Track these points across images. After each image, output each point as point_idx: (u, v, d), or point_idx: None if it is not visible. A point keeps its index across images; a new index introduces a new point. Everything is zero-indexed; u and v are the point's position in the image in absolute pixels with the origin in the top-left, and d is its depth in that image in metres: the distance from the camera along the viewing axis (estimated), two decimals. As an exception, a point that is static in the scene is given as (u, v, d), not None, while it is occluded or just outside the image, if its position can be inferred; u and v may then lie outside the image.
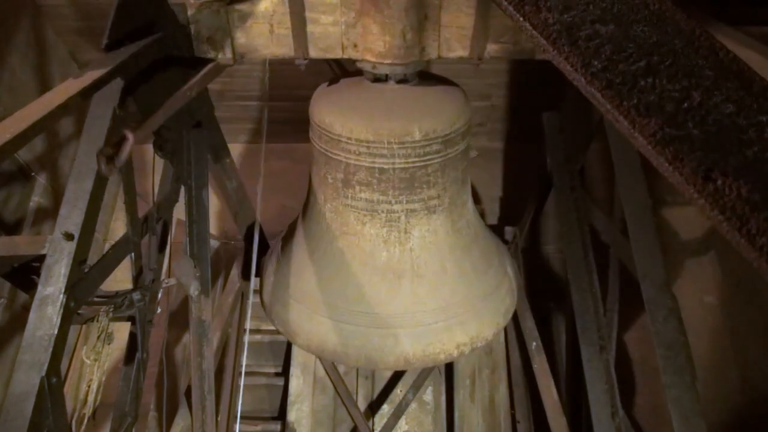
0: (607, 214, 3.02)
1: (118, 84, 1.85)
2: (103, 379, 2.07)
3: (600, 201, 3.32)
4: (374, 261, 2.51)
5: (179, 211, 2.66)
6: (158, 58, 2.11)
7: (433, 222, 2.49)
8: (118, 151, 1.43)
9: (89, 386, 2.04)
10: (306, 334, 2.63)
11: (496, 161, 5.02)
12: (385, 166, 2.31)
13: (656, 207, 2.52)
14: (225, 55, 2.28)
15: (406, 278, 2.51)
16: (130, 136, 1.43)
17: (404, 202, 2.40)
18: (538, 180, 3.76)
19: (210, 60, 2.30)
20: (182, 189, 2.64)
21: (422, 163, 2.33)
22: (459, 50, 2.21)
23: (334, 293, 2.58)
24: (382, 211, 2.42)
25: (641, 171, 2.53)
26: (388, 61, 2.16)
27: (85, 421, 2.00)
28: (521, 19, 0.90)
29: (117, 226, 4.62)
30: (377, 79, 2.33)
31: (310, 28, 2.20)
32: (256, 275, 2.74)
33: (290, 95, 4.00)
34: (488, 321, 2.67)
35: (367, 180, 2.36)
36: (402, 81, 2.33)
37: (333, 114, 2.34)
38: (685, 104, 0.80)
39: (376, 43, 2.12)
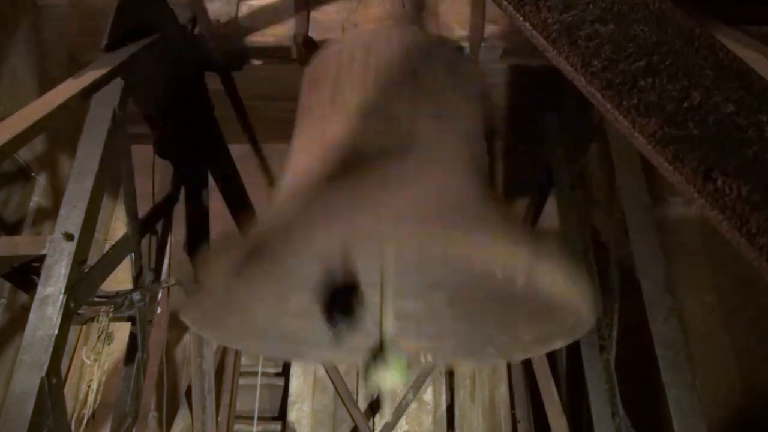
0: (607, 214, 3.02)
1: (118, 84, 1.85)
2: (103, 379, 2.07)
3: (600, 201, 3.32)
4: None
5: (179, 211, 2.66)
6: (158, 58, 2.11)
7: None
8: None
9: (89, 386, 2.05)
10: None
11: (497, 161, 5.02)
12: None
13: (656, 207, 2.52)
14: (225, 56, 2.30)
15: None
16: None
17: None
18: (538, 180, 3.75)
19: (210, 60, 2.31)
20: (182, 189, 2.64)
21: None
22: (458, 31, 2.22)
23: None
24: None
25: (641, 171, 2.53)
26: (388, 23, 2.14)
27: (85, 421, 2.00)
28: (521, 19, 0.89)
29: (117, 226, 4.62)
30: None
31: (313, 14, 2.22)
32: (256, 275, 2.73)
33: (290, 95, 4.00)
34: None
35: None
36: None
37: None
38: (685, 104, 0.80)
39: (376, 11, 2.10)
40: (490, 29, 2.20)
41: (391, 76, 1.94)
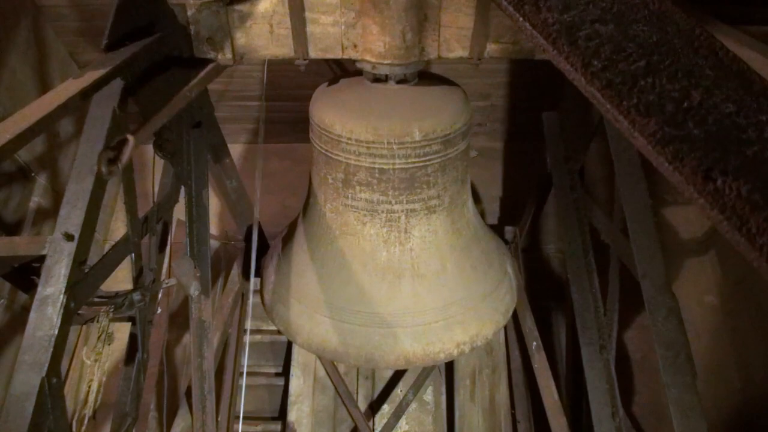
0: (607, 214, 3.01)
1: (118, 84, 1.85)
2: (104, 379, 2.07)
3: (600, 201, 3.32)
4: (374, 261, 2.51)
5: (179, 211, 2.65)
6: (158, 58, 2.11)
7: (433, 222, 2.49)
8: (120, 153, 1.43)
9: (89, 386, 2.05)
10: (307, 333, 2.63)
11: (496, 161, 5.02)
12: (385, 167, 2.31)
13: (656, 207, 2.52)
14: (225, 56, 2.28)
15: (406, 278, 2.51)
16: (131, 138, 1.43)
17: (404, 202, 2.40)
18: (538, 180, 3.75)
19: (210, 60, 2.30)
20: (182, 189, 2.64)
21: (422, 163, 2.33)
22: (459, 50, 2.21)
23: (334, 293, 2.57)
24: (382, 212, 2.42)
25: (641, 171, 2.53)
26: (388, 62, 2.16)
27: (86, 421, 2.00)
28: (521, 19, 0.89)
29: (117, 226, 4.62)
30: (377, 79, 2.33)
31: (309, 28, 2.20)
32: (256, 275, 2.74)
33: (290, 95, 4.01)
34: (488, 320, 2.67)
35: (367, 180, 2.36)
36: (402, 81, 2.33)
37: (333, 114, 2.34)
38: (685, 104, 0.80)
39: (375, 44, 2.12)
40: (491, 48, 2.19)
41: (392, 181, 2.34)
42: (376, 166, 2.32)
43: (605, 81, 0.84)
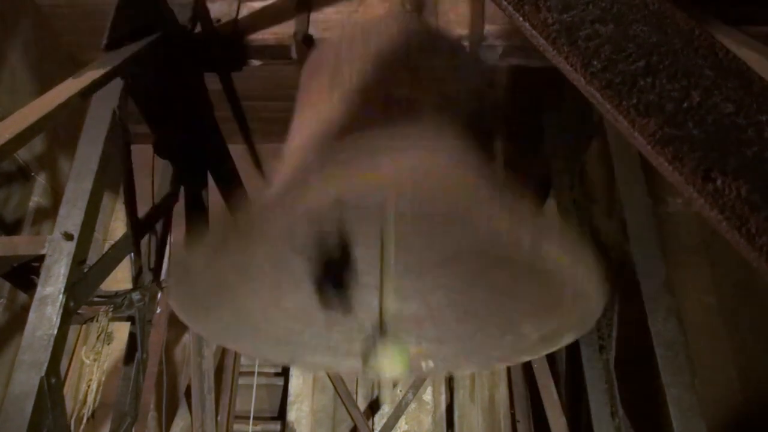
0: (607, 214, 3.01)
1: (118, 84, 1.85)
2: (103, 379, 2.07)
3: (600, 201, 3.32)
4: None
5: (179, 211, 2.66)
6: (158, 58, 2.11)
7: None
8: None
9: (89, 386, 2.05)
10: None
11: (496, 161, 5.01)
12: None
13: (656, 207, 2.51)
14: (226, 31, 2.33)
15: None
16: None
17: None
18: (538, 180, 3.75)
19: (210, 61, 2.31)
20: (182, 189, 2.64)
21: None
22: (458, 30, 2.23)
23: None
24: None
25: (641, 171, 2.53)
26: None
27: (85, 420, 2.00)
28: (520, 19, 0.89)
29: (117, 226, 4.62)
30: None
31: (313, 15, 2.24)
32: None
33: (290, 95, 4.00)
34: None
35: None
36: None
37: None
38: (685, 104, 0.80)
39: (377, 12, 2.11)
40: (489, 29, 2.21)
41: (391, 60, 1.89)
42: None
43: (605, 81, 0.84)
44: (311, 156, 1.69)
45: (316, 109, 1.96)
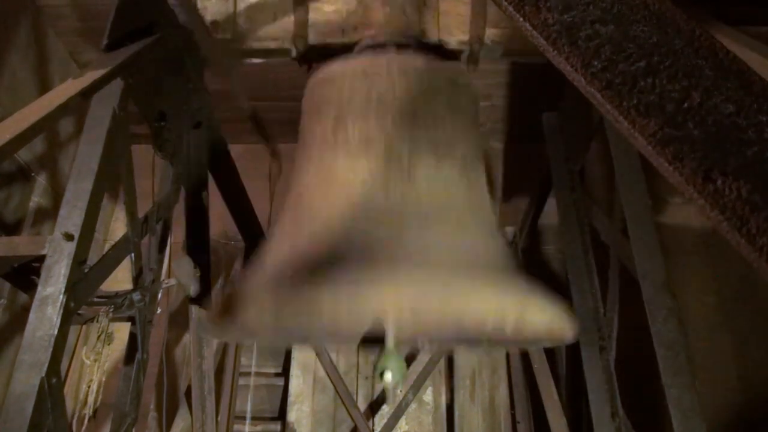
0: (607, 214, 3.02)
1: (118, 84, 1.85)
2: (103, 379, 2.07)
3: (600, 201, 3.32)
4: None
5: (179, 211, 2.66)
6: (158, 58, 2.11)
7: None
8: None
9: (89, 386, 2.05)
10: None
11: (496, 161, 5.02)
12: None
13: (656, 207, 2.52)
14: (225, 36, 2.34)
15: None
16: None
17: None
18: (538, 180, 3.75)
19: (211, 60, 2.31)
20: (182, 189, 2.64)
21: None
22: (458, 35, 2.24)
23: None
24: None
25: (641, 171, 2.53)
26: (389, 30, 2.17)
27: (86, 421, 2.00)
28: (521, 19, 0.89)
29: (117, 226, 4.62)
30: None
31: (312, 16, 2.25)
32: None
33: (290, 95, 4.00)
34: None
35: None
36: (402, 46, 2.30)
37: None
38: (685, 104, 0.80)
39: (376, 17, 2.14)
40: (490, 32, 2.22)
41: (392, 111, 2.02)
42: None
43: (605, 81, 0.84)
44: (308, 252, 1.85)
45: (321, 164, 2.10)
